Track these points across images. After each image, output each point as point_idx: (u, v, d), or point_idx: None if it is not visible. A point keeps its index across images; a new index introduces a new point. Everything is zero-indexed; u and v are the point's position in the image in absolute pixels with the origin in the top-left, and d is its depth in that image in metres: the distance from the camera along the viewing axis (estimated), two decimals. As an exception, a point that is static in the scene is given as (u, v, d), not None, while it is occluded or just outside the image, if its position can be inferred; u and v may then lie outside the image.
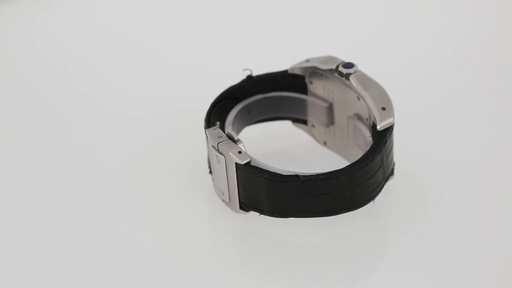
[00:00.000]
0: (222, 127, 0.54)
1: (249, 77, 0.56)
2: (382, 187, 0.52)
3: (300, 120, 0.58)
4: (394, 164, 0.53)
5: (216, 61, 0.67)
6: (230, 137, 0.52)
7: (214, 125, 0.53)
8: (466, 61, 0.66)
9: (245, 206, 0.52)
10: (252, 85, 0.56)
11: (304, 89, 0.57)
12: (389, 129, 0.51)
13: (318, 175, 0.50)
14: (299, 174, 0.50)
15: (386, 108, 0.52)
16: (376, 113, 0.52)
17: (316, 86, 0.56)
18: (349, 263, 0.51)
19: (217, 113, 0.55)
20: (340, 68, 0.54)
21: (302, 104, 0.57)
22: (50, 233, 0.53)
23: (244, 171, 0.51)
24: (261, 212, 0.52)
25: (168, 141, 0.60)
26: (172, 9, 0.73)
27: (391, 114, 0.52)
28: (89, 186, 0.56)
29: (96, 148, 0.59)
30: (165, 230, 0.53)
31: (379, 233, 0.53)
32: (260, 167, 0.51)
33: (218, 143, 0.51)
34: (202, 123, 0.54)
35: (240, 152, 0.51)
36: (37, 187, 0.56)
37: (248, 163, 0.51)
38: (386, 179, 0.53)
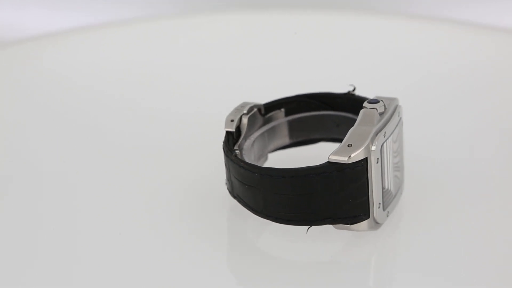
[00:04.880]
0: (286, 115, 0.52)
1: (350, 93, 0.53)
2: (320, 221, 0.47)
3: None
4: (365, 213, 0.47)
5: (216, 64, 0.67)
6: (244, 110, 0.51)
7: (277, 108, 0.52)
8: (467, 62, 0.66)
9: None
10: (349, 101, 0.52)
11: None
12: (335, 165, 0.46)
13: (243, 161, 0.48)
14: (238, 153, 0.48)
15: (353, 146, 0.46)
16: (340, 145, 0.46)
17: None
18: (352, 267, 0.50)
19: (297, 106, 0.53)
20: (365, 103, 0.49)
21: None
22: (55, 234, 0.53)
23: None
24: (226, 183, 0.51)
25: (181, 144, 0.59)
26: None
27: (350, 154, 0.46)
28: (90, 186, 0.56)
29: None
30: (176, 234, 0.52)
31: (379, 234, 0.52)
32: (230, 140, 0.49)
33: (233, 109, 0.51)
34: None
35: (232, 121, 0.50)
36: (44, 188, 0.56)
37: (228, 132, 0.50)
38: (333, 218, 0.47)
